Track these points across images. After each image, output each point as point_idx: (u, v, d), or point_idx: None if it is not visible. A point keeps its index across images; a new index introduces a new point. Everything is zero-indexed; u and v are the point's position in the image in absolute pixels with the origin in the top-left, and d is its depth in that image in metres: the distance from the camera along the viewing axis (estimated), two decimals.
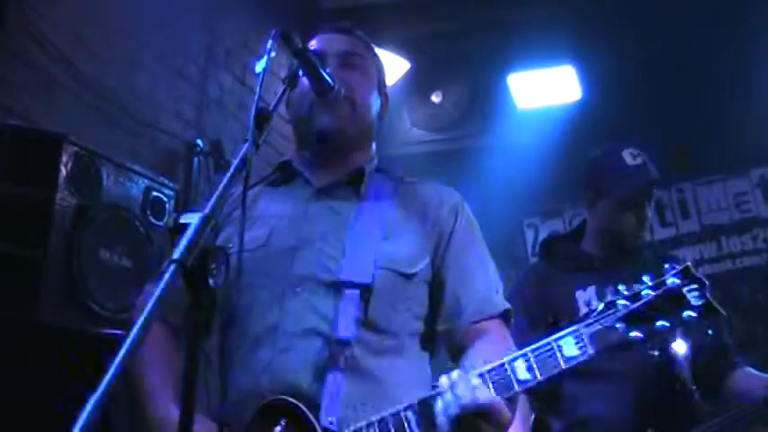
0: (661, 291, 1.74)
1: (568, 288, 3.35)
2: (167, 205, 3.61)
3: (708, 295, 1.72)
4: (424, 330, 2.24)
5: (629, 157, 3.39)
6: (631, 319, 1.75)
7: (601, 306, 1.80)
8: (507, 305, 2.29)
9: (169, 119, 4.88)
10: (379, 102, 2.44)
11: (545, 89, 6.44)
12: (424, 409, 1.91)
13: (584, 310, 3.09)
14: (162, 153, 4.77)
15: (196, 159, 4.94)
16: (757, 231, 6.81)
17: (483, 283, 2.28)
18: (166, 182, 3.68)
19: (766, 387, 3.19)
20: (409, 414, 1.91)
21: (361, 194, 2.32)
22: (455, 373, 1.91)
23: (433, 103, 6.49)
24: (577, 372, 3.08)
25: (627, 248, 3.41)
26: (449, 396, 1.88)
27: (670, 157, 6.70)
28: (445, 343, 2.21)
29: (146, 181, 3.53)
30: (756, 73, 6.14)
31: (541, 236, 6.43)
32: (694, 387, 3.25)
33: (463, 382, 1.87)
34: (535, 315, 3.22)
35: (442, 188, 2.40)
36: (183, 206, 4.19)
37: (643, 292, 1.74)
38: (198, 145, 4.98)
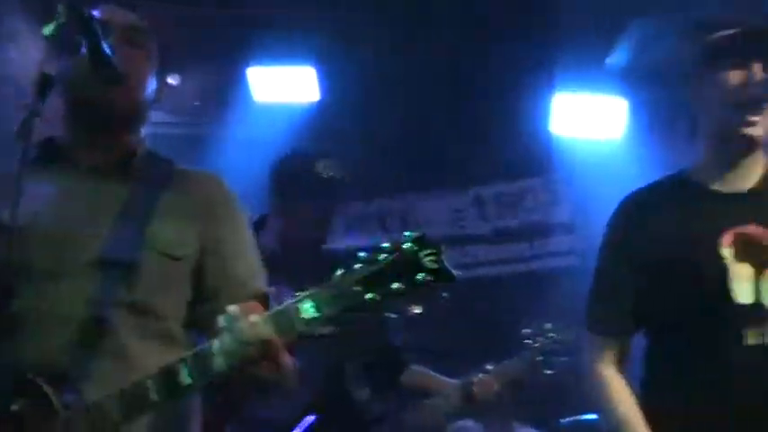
0: (397, 254, 1.78)
1: None
2: None
3: (442, 259, 1.76)
4: (187, 314, 2.20)
5: (321, 168, 3.41)
6: (368, 281, 1.78)
7: (339, 270, 1.83)
8: (266, 288, 2.30)
9: None
10: (155, 85, 2.36)
11: (284, 86, 6.48)
12: (196, 361, 1.92)
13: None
14: None
15: None
16: (468, 248, 7.18)
17: (244, 268, 2.28)
18: None
19: (454, 387, 3.33)
20: (182, 366, 1.93)
21: (131, 176, 2.24)
22: (232, 308, 1.89)
23: (171, 86, 6.36)
24: None
25: (309, 254, 3.43)
26: (226, 335, 1.87)
27: (397, 167, 6.98)
28: (206, 324, 2.17)
29: None
30: (476, 94, 6.47)
31: None
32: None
33: (243, 319, 1.87)
34: None
35: (212, 176, 2.37)
36: None
37: (380, 257, 1.79)
38: None
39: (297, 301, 1.88)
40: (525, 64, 6.33)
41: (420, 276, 1.79)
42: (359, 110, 6.49)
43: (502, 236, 7.16)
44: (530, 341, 3.65)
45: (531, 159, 6.99)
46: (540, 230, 7.08)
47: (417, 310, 1.82)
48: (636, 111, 6.36)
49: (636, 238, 2.38)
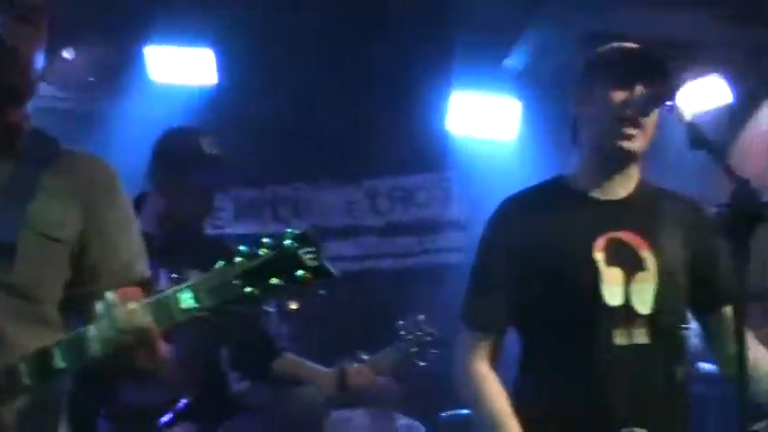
0: (278, 251, 1.80)
1: None
2: None
3: (322, 257, 1.80)
4: (65, 296, 2.15)
5: (206, 145, 3.39)
6: (248, 275, 1.80)
7: (221, 264, 1.83)
8: (148, 273, 2.27)
9: None
10: (43, 61, 2.29)
11: (181, 67, 6.39)
12: (71, 345, 1.90)
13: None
14: None
15: None
16: (360, 240, 7.23)
17: (126, 252, 2.24)
18: None
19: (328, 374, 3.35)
20: (56, 350, 1.90)
21: (15, 154, 2.17)
22: (110, 295, 1.88)
23: (64, 59, 6.22)
24: None
25: (190, 235, 3.40)
26: (103, 321, 1.86)
27: (292, 155, 6.96)
28: (84, 308, 2.13)
29: None
30: (375, 87, 6.51)
31: None
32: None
33: (120, 306, 1.86)
34: None
35: (97, 159, 2.31)
36: None
37: (260, 251, 1.80)
38: None
39: (176, 291, 1.87)
40: (425, 61, 6.39)
41: (299, 273, 1.80)
42: (256, 96, 6.46)
43: (393, 229, 7.22)
44: (404, 333, 3.70)
45: (426, 155, 7.06)
46: (432, 226, 7.16)
47: (294, 305, 1.83)
48: (530, 113, 6.48)
49: (513, 238, 2.46)
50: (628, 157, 2.45)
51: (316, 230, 1.87)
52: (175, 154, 3.34)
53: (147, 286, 2.20)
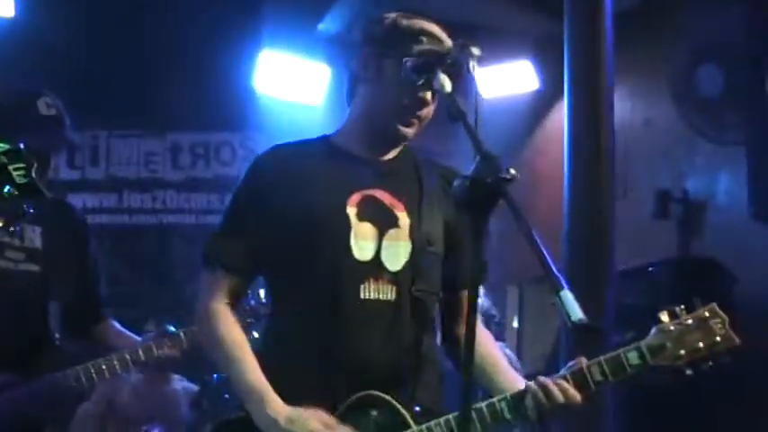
0: None
1: None
2: None
3: (32, 175, 1.82)
4: None
5: (43, 106, 3.28)
6: None
7: None
8: None
9: None
10: None
11: None
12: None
13: None
14: None
15: None
16: (158, 193, 7.08)
17: None
18: None
19: (131, 351, 3.30)
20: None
21: None
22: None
23: None
24: None
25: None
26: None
27: (91, 100, 6.71)
28: None
29: None
30: (185, 39, 6.37)
31: None
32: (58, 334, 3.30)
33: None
34: None
35: None
36: None
37: None
38: None
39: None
40: (236, 18, 6.30)
41: (6, 189, 1.77)
42: (55, 32, 6.17)
43: (194, 185, 7.11)
44: None
45: (231, 113, 6.97)
46: (233, 184, 7.07)
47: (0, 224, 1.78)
48: (340, 80, 6.49)
49: (266, 185, 2.40)
50: (400, 141, 2.45)
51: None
52: (12, 119, 3.19)
53: None
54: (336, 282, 2.31)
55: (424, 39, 2.37)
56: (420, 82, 2.31)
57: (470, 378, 2.02)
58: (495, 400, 2.29)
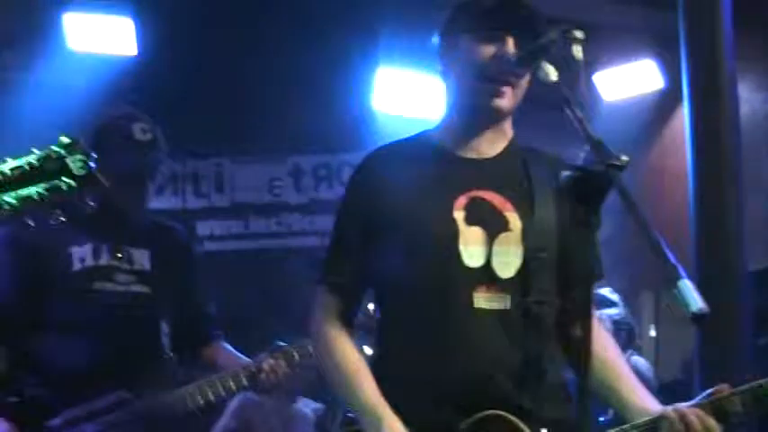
0: (43, 160, 1.78)
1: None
2: None
3: (91, 166, 1.80)
4: None
5: (138, 131, 3.32)
6: (6, 186, 1.78)
7: None
8: None
9: None
10: None
11: (101, 36, 6.23)
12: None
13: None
14: None
15: None
16: (282, 217, 7.15)
17: None
18: None
19: (243, 367, 3.30)
20: None
21: None
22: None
23: None
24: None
25: (128, 216, 3.35)
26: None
27: (214, 130, 6.84)
28: None
29: None
30: (302, 64, 6.42)
31: None
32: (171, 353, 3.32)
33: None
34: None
35: None
36: None
37: (26, 162, 1.77)
38: None
39: None
40: (351, 37, 6.31)
41: (63, 181, 1.76)
42: (177, 68, 6.32)
43: (317, 207, 7.14)
44: None
45: (351, 133, 6.99)
46: None
47: (62, 218, 1.76)
48: None
49: (373, 195, 2.30)
50: (497, 116, 2.31)
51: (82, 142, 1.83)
52: (106, 141, 3.26)
53: None
54: (447, 290, 2.20)
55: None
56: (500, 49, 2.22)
57: (587, 387, 1.86)
58: (627, 427, 2.15)
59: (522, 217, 2.25)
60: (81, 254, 3.23)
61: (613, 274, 2.11)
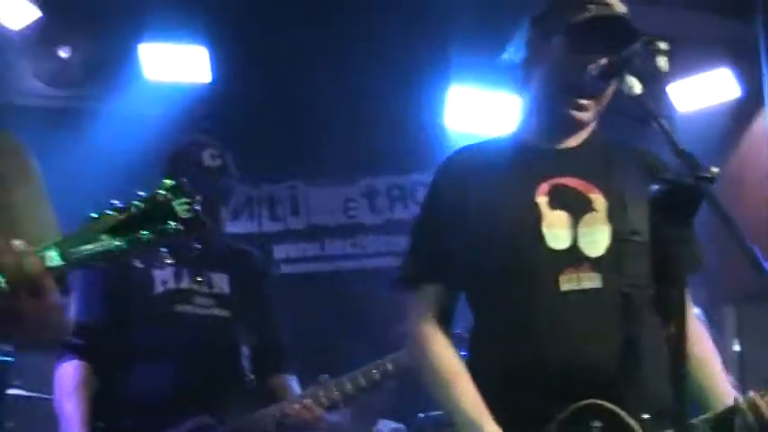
0: (149, 203, 1.78)
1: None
2: None
3: (196, 209, 1.80)
4: None
5: (208, 157, 3.37)
6: (116, 229, 1.77)
7: (90, 218, 1.80)
8: None
9: None
10: None
11: (176, 65, 6.34)
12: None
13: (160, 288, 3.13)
14: None
15: None
16: (358, 239, 7.16)
17: (36, 226, 2.10)
18: None
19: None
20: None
21: None
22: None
23: (60, 58, 6.17)
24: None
25: (205, 240, 3.39)
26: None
27: (287, 153, 6.90)
28: None
29: None
30: (373, 85, 6.44)
31: None
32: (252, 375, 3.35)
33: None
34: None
35: (5, 133, 2.22)
36: None
37: (133, 205, 1.79)
38: None
39: (42, 249, 1.81)
40: (422, 56, 6.32)
41: (171, 224, 1.77)
42: (250, 94, 6.39)
43: (392, 227, 7.14)
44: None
45: (423, 153, 6.98)
46: None
47: (170, 260, 1.77)
48: None
49: (456, 190, 2.32)
50: (577, 127, 2.32)
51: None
52: (176, 168, 3.34)
53: None
54: (532, 275, 2.18)
55: (591, 6, 2.23)
56: (591, 61, 2.20)
57: (684, 376, 1.87)
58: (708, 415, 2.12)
59: (606, 198, 2.23)
60: (163, 276, 3.29)
61: (693, 288, 2.06)
